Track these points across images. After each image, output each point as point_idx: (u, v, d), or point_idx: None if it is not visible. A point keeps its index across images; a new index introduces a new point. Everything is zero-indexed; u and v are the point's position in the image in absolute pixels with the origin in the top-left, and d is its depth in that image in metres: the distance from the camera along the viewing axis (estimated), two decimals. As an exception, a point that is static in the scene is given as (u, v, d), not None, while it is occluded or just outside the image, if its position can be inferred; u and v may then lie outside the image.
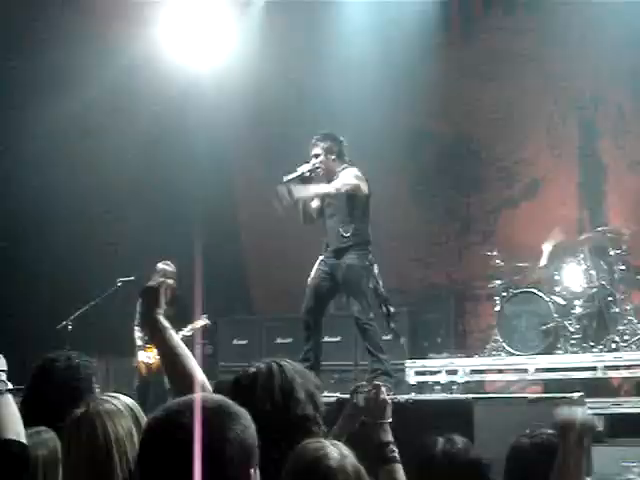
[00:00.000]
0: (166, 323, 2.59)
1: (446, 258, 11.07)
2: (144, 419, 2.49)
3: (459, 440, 3.06)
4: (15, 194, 9.87)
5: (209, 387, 2.58)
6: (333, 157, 6.67)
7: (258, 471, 1.77)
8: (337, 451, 2.33)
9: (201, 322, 8.53)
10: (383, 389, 2.98)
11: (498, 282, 9.28)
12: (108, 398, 2.55)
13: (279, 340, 10.06)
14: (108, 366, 9.57)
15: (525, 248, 9.80)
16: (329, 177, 6.64)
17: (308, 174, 6.59)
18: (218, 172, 10.75)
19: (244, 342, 10.43)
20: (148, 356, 8.68)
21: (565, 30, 10.23)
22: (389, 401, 2.93)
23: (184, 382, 2.51)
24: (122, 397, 2.58)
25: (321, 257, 6.82)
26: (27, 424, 2.57)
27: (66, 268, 9.80)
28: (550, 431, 2.73)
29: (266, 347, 9.90)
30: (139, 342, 8.79)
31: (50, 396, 3.11)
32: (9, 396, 2.42)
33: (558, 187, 10.43)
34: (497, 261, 9.37)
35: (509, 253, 9.59)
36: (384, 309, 6.66)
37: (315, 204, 6.82)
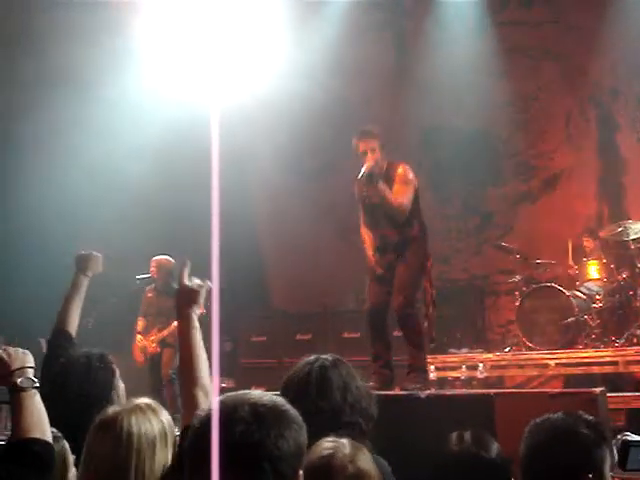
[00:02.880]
0: (196, 323, 2.64)
1: (465, 253, 11.05)
2: (171, 428, 2.51)
3: (483, 437, 3.05)
4: (13, 194, 9.95)
5: (209, 390, 2.58)
6: (382, 152, 6.40)
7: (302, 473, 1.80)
8: (346, 452, 2.34)
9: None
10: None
11: (518, 277, 9.25)
12: (140, 404, 2.55)
13: (298, 336, 10.06)
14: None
15: (545, 242, 9.77)
16: (382, 170, 6.35)
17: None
18: (234, 170, 10.76)
19: (263, 339, 10.45)
20: (145, 343, 8.77)
21: (582, 23, 10.17)
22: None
23: (188, 380, 2.54)
24: (154, 405, 2.58)
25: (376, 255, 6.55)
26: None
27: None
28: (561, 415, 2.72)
29: (286, 343, 9.90)
30: (139, 328, 8.88)
31: (72, 392, 3.13)
32: (36, 393, 2.43)
33: (577, 181, 10.39)
34: (517, 256, 9.35)
35: (529, 247, 9.56)
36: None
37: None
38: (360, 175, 6.25)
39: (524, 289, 9.12)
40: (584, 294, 8.90)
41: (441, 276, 10.85)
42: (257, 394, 1.81)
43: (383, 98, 10.54)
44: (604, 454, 2.60)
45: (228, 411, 1.75)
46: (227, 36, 9.27)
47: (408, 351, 6.41)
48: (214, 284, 2.59)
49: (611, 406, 6.01)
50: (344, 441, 2.41)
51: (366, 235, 6.56)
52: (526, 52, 10.60)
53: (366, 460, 2.39)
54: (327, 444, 2.39)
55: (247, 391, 1.84)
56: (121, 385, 3.30)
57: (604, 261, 8.96)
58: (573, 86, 10.43)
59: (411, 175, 6.38)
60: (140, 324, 8.92)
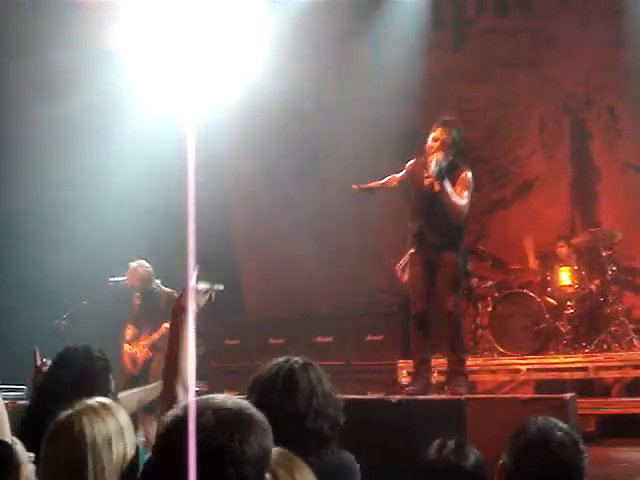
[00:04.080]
0: (190, 319, 2.72)
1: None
2: (128, 425, 2.50)
3: (466, 449, 3.07)
4: (9, 193, 9.88)
5: (188, 386, 2.64)
6: (451, 149, 6.29)
7: (271, 478, 1.79)
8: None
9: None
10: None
11: (490, 282, 9.31)
12: (95, 404, 2.51)
13: (271, 340, 10.06)
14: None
15: (517, 249, 9.84)
16: (445, 165, 6.22)
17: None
18: (210, 173, 10.74)
19: (236, 342, 10.44)
20: (134, 351, 8.69)
21: (557, 32, 10.26)
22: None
23: (172, 374, 2.63)
24: (110, 404, 2.55)
25: (412, 250, 6.47)
26: (40, 411, 2.58)
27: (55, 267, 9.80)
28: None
29: (258, 347, 9.89)
30: (127, 337, 8.80)
31: (67, 384, 3.18)
32: None
33: (550, 188, 10.46)
34: (489, 261, 9.40)
35: (501, 253, 9.62)
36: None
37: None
38: (431, 165, 6.10)
39: (496, 295, 9.17)
40: (556, 300, 8.98)
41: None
42: (221, 398, 1.79)
43: (360, 102, 10.55)
44: (584, 464, 2.62)
45: (190, 416, 1.73)
46: (203, 39, 9.26)
47: (450, 355, 6.35)
48: (190, 290, 2.66)
49: (581, 412, 6.07)
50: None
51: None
52: (501, 60, 10.67)
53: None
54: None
55: (211, 395, 1.82)
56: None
57: (576, 268, 9.04)
58: (547, 94, 10.51)
59: (472, 182, 6.27)
60: (129, 332, 8.81)
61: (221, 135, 10.69)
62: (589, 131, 10.43)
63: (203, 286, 3.04)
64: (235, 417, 1.74)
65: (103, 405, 2.52)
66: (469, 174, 6.28)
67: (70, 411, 2.47)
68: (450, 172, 6.21)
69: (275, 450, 1.93)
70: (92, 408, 2.49)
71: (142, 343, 8.64)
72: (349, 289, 10.66)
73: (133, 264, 8.76)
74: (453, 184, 6.18)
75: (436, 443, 3.06)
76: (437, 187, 6.09)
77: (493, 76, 10.67)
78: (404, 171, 6.53)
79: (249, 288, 11.84)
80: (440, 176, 6.11)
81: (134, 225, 10.21)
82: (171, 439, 1.74)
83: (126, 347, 8.66)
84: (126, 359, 8.74)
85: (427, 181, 6.16)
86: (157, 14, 9.61)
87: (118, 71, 9.77)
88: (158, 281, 8.67)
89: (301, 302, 10.51)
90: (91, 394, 2.68)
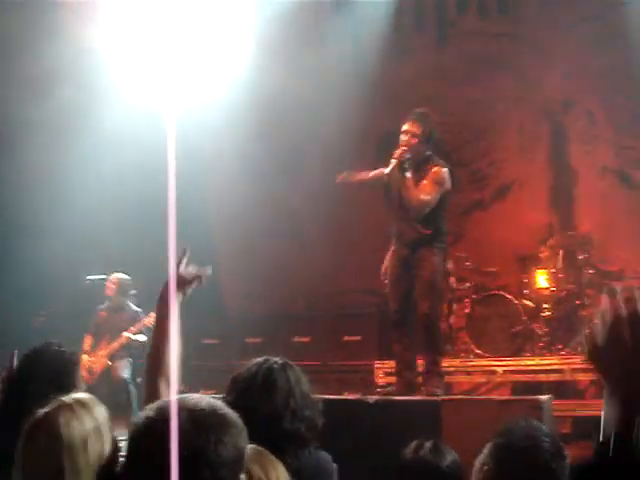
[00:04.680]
0: (177, 312, 2.71)
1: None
2: (105, 421, 2.48)
3: (442, 448, 3.09)
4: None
5: (171, 381, 2.62)
6: (423, 143, 6.27)
7: (246, 477, 1.78)
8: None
9: (149, 319, 8.52)
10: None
11: (468, 284, 9.33)
12: (71, 402, 2.48)
13: (249, 339, 10.04)
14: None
15: (495, 250, 9.88)
16: (416, 159, 6.23)
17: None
18: (190, 172, 10.71)
19: (214, 341, 10.41)
20: (92, 360, 8.64)
21: (537, 36, 10.31)
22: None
23: (155, 367, 2.62)
24: (88, 401, 2.52)
25: (391, 250, 6.45)
26: (12, 408, 2.57)
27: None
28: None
29: (236, 346, 9.87)
30: (86, 347, 8.75)
31: (38, 380, 3.14)
32: None
33: (529, 191, 10.50)
34: (467, 263, 9.43)
35: (479, 255, 9.65)
36: None
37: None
38: (391, 161, 6.11)
39: (474, 296, 9.20)
40: (533, 302, 9.02)
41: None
42: (195, 398, 1.77)
43: (342, 101, 10.53)
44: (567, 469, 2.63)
45: (165, 418, 1.70)
46: (186, 36, 9.25)
47: (426, 356, 6.34)
48: (171, 286, 2.62)
49: (557, 413, 6.11)
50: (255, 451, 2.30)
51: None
52: (481, 62, 10.70)
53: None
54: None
55: (185, 395, 1.79)
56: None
57: (553, 270, 9.08)
58: (526, 97, 10.56)
59: (445, 178, 6.20)
60: (87, 342, 8.77)
61: (202, 133, 10.67)
62: (567, 134, 10.48)
63: (190, 270, 2.91)
64: (210, 418, 1.72)
65: (79, 402, 2.49)
66: (442, 170, 6.24)
67: (46, 409, 2.46)
68: (423, 166, 6.19)
69: (250, 447, 1.93)
70: (68, 406, 2.46)
71: (100, 353, 8.62)
72: (327, 289, 10.66)
73: (116, 276, 8.78)
74: (423, 178, 6.15)
75: (413, 443, 3.07)
76: (396, 189, 6.11)
77: (473, 78, 10.69)
78: (389, 168, 6.45)
79: (228, 287, 11.81)
80: (402, 168, 6.11)
81: (114, 223, 10.19)
82: (141, 442, 1.72)
83: (84, 357, 8.58)
84: (83, 370, 8.71)
85: (389, 182, 6.22)
86: (139, 12, 9.57)
87: (99, 69, 9.72)
88: (134, 292, 8.72)
89: (279, 302, 10.49)
90: (62, 390, 2.66)
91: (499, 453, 2.60)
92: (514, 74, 10.55)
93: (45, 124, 9.75)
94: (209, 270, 2.88)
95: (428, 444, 3.06)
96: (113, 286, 8.74)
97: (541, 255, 9.29)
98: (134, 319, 8.56)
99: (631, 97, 9.87)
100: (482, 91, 10.69)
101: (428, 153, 6.25)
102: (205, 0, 9.74)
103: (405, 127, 6.27)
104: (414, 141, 6.20)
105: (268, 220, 10.94)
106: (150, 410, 1.76)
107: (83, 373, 8.58)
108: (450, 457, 3.06)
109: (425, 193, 6.13)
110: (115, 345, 8.54)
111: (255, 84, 10.27)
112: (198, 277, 2.91)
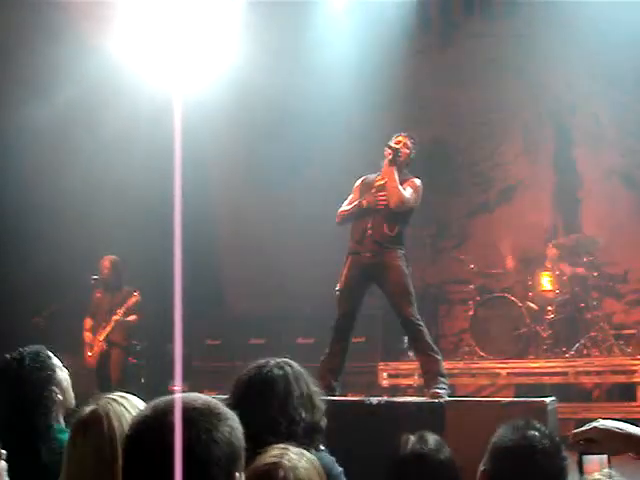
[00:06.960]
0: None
1: (421, 261, 11.09)
2: None
3: (432, 439, 3.07)
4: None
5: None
6: (408, 159, 6.53)
7: (244, 475, 1.77)
8: (291, 461, 2.27)
9: (133, 299, 8.61)
10: None
11: (472, 286, 9.33)
12: (117, 398, 2.51)
13: (252, 340, 10.03)
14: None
15: (499, 253, 9.87)
16: (401, 166, 6.44)
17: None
18: (195, 173, 10.72)
19: (218, 342, 10.41)
20: (92, 339, 8.74)
21: (543, 37, 10.29)
22: None
23: None
24: (130, 397, 2.54)
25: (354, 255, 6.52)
26: None
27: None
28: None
29: (239, 347, 9.87)
30: (87, 326, 8.83)
31: (3, 398, 3.06)
32: None
33: (533, 193, 10.49)
34: (471, 265, 9.42)
35: (483, 257, 9.64)
36: None
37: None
38: (386, 148, 6.29)
39: (478, 299, 9.19)
40: (537, 305, 9.01)
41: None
42: (191, 397, 1.75)
43: (346, 103, 10.52)
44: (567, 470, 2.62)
45: (158, 416, 1.70)
46: (189, 36, 9.25)
47: (420, 357, 6.38)
48: (177, 287, 2.59)
49: (561, 416, 6.09)
50: (291, 450, 2.32)
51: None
52: (487, 64, 10.69)
53: (308, 470, 2.30)
54: (274, 451, 2.30)
55: (181, 394, 1.77)
56: (62, 376, 3.18)
57: (557, 273, 9.07)
58: (532, 99, 10.55)
59: (421, 191, 6.43)
60: (88, 322, 8.86)
61: (206, 134, 10.67)
62: (572, 137, 10.47)
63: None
64: (202, 416, 1.70)
65: (123, 397, 2.53)
66: (417, 180, 6.45)
67: (94, 406, 2.47)
68: (400, 178, 6.35)
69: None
70: (115, 401, 2.49)
71: (100, 338, 8.70)
72: (331, 291, 10.63)
73: (108, 257, 8.86)
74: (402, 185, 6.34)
75: (406, 438, 3.06)
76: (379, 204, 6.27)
77: (479, 80, 10.68)
78: (355, 192, 6.57)
79: (231, 287, 11.82)
80: (394, 159, 6.28)
81: (117, 223, 10.19)
82: (138, 441, 1.72)
83: (86, 335, 8.70)
84: (86, 346, 8.78)
85: (371, 197, 6.33)
86: (144, 11, 9.58)
87: (103, 68, 9.72)
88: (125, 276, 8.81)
89: (283, 303, 10.48)
90: (26, 413, 2.61)
91: (497, 454, 2.60)
92: (519, 76, 10.54)
93: (47, 124, 9.75)
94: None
95: (420, 436, 3.05)
96: (109, 266, 8.80)
97: (545, 257, 9.28)
98: (126, 299, 8.64)
99: (636, 99, 9.86)
100: (487, 93, 10.68)
101: (405, 171, 6.41)
102: (210, 1, 9.74)
103: (399, 138, 6.42)
104: (405, 152, 6.41)
105: (272, 221, 10.93)
106: (147, 409, 1.76)
107: (86, 349, 8.71)
108: (445, 449, 3.04)
109: (407, 192, 6.31)
110: (108, 329, 8.63)
111: (258, 85, 10.28)
112: None
